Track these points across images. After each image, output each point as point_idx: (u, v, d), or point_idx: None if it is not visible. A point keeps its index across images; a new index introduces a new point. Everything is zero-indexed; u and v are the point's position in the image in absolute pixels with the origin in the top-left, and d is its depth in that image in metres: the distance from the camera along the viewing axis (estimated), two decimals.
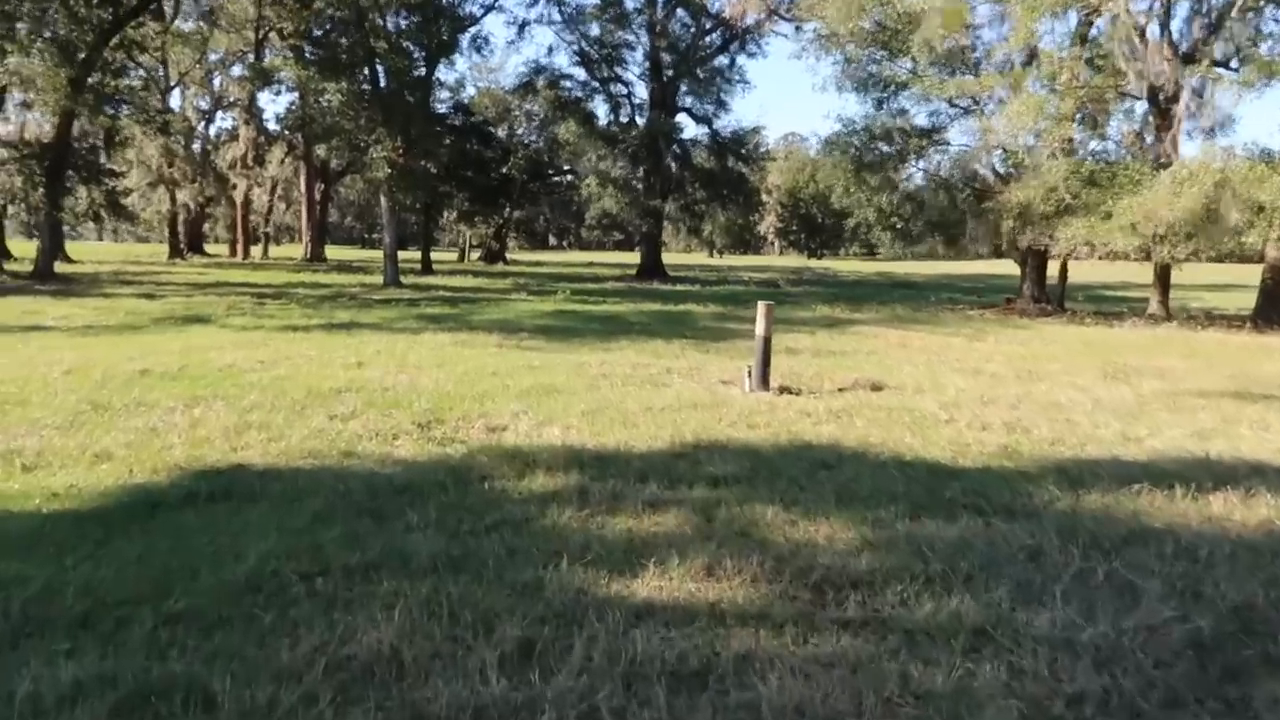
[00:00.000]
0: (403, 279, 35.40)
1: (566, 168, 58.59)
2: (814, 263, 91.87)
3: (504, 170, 54.52)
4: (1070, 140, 24.27)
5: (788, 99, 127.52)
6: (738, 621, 4.27)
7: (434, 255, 70.17)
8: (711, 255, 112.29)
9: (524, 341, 15.43)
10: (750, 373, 10.64)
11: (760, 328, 10.54)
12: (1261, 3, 23.36)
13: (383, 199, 32.36)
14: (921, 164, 27.67)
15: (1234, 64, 24.61)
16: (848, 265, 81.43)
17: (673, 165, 45.61)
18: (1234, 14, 23.47)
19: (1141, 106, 26.71)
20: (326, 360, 12.11)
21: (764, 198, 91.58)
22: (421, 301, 25.19)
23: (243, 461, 6.88)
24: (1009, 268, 66.02)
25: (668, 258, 48.94)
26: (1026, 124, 22.71)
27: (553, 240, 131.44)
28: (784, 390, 10.59)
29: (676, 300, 27.92)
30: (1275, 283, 23.96)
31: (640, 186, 44.75)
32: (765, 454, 7.30)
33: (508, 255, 65.78)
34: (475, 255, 68.89)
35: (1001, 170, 26.61)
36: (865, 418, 8.87)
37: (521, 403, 9.21)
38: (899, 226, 27.83)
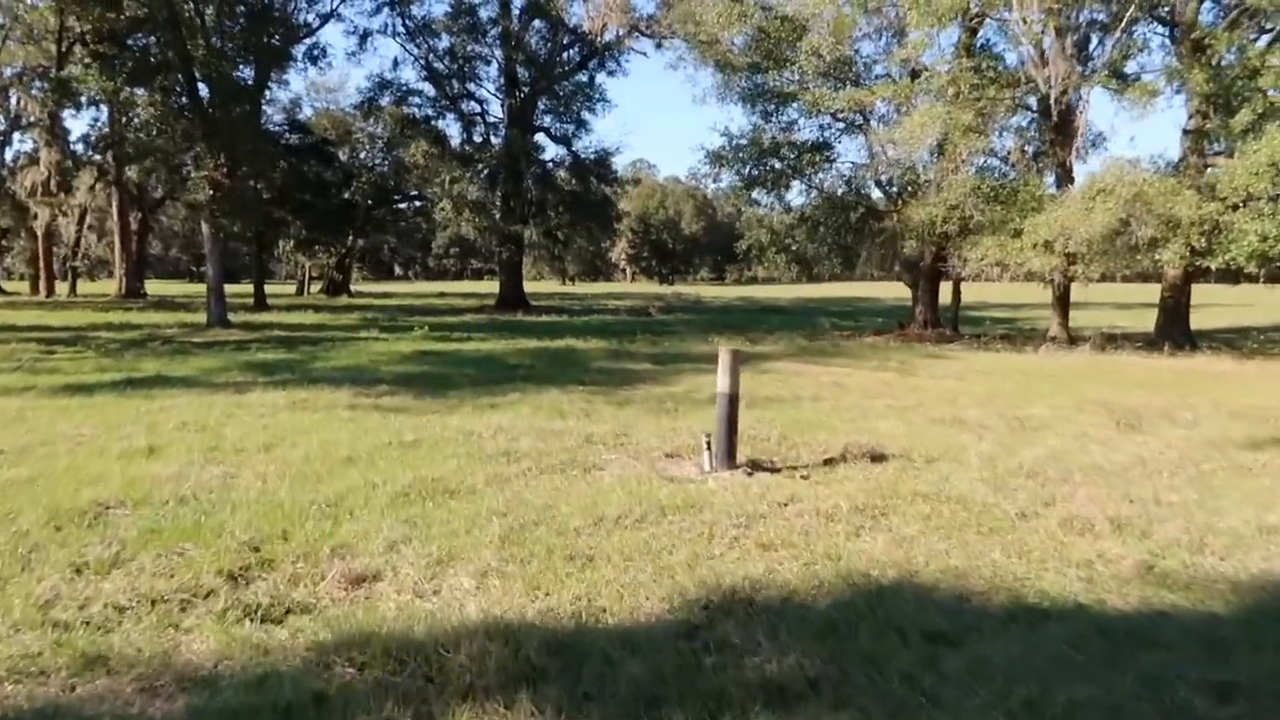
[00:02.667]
0: (232, 317, 30.93)
1: (414, 192, 54.57)
2: (668, 289, 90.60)
3: (346, 195, 50.17)
4: (962, 156, 22.77)
5: (637, 125, 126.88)
6: None
7: (270, 289, 64.61)
8: (564, 283, 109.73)
9: (385, 398, 12.11)
10: (710, 444, 7.81)
11: (723, 383, 7.74)
12: (1128, 21, 22.42)
13: (204, 226, 27.98)
14: (814, 181, 25.72)
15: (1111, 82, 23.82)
16: (703, 290, 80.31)
17: (533, 187, 42.60)
18: (1112, 30, 22.62)
19: (1018, 120, 25.78)
20: (103, 445, 8.49)
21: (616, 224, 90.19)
22: (253, 344, 21.23)
23: None
24: (870, 289, 66.59)
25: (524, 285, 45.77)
26: (931, 135, 21.02)
27: (399, 270, 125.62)
28: (756, 466, 7.82)
29: (551, 334, 24.91)
30: (1176, 301, 23.14)
31: (498, 211, 41.50)
32: (823, 612, 4.45)
33: (352, 287, 61.02)
34: (316, 288, 63.74)
35: (897, 188, 25.00)
36: (909, 517, 6.17)
37: (398, 517, 6.04)
38: (794, 249, 25.80)
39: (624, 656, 3.91)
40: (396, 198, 57.29)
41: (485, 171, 41.92)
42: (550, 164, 44.30)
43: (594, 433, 9.34)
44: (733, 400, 7.75)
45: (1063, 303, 24.20)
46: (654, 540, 5.55)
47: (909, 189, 24.38)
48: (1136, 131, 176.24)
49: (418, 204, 59.03)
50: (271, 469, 7.46)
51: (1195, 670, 3.83)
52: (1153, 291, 49.37)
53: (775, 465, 7.97)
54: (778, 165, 24.95)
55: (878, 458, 8.12)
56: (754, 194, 25.53)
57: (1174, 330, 22.77)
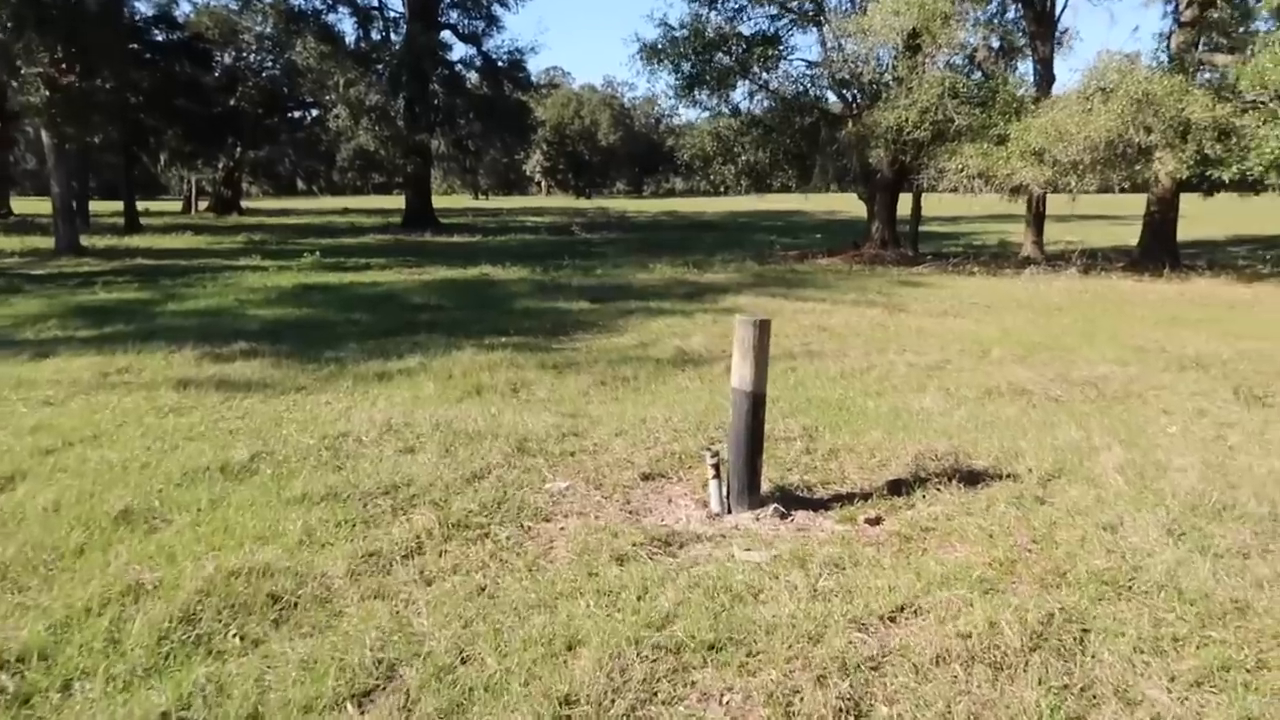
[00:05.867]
0: (94, 241, 26.66)
1: (310, 99, 49.31)
2: (587, 203, 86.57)
3: (231, 102, 44.92)
4: (940, 48, 19.81)
5: (552, 25, 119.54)
6: None
7: (156, 207, 58.88)
8: (477, 197, 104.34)
9: (236, 365, 8.86)
10: (720, 470, 4.92)
11: (743, 375, 4.78)
12: None
13: (44, 133, 23.49)
14: (763, 80, 22.42)
15: None
16: (623, 205, 76.40)
17: (440, 92, 38.28)
18: None
19: (977, 14, 22.86)
20: None
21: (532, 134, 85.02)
22: (101, 278, 17.43)
23: None
24: (798, 203, 63.66)
25: (433, 201, 41.43)
26: (906, 23, 17.97)
27: (301, 185, 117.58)
28: (790, 500, 4.98)
29: (464, 259, 21.52)
30: (1163, 216, 20.90)
31: (401, 118, 37.12)
32: None
33: (244, 204, 55.74)
34: (205, 205, 58.11)
35: (856, 90, 21.96)
36: (1125, 645, 3.34)
37: (147, 714, 3.00)
38: (745, 159, 22.69)
39: None
40: (290, 105, 52.00)
41: (385, 74, 37.37)
42: (458, 65, 39.95)
43: (529, 432, 6.32)
44: (757, 404, 4.81)
45: (1039, 220, 21.75)
46: None
47: (871, 88, 21.39)
48: (1103, 28, 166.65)
49: (315, 112, 53.70)
50: None
51: None
52: (1097, 204, 47.72)
53: (819, 496, 5.12)
54: (725, 61, 21.61)
55: (969, 478, 5.32)
56: (696, 94, 22.15)
57: (1160, 249, 20.59)
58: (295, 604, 3.67)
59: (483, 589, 3.83)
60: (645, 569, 4.02)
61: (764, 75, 22.85)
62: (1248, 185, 18.13)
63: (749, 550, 4.28)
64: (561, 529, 4.61)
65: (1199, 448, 6.09)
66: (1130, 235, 29.03)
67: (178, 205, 66.04)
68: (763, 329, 4.76)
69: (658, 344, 10.21)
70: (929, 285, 16.74)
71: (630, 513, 4.88)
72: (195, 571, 3.87)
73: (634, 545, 4.29)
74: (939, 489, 5.15)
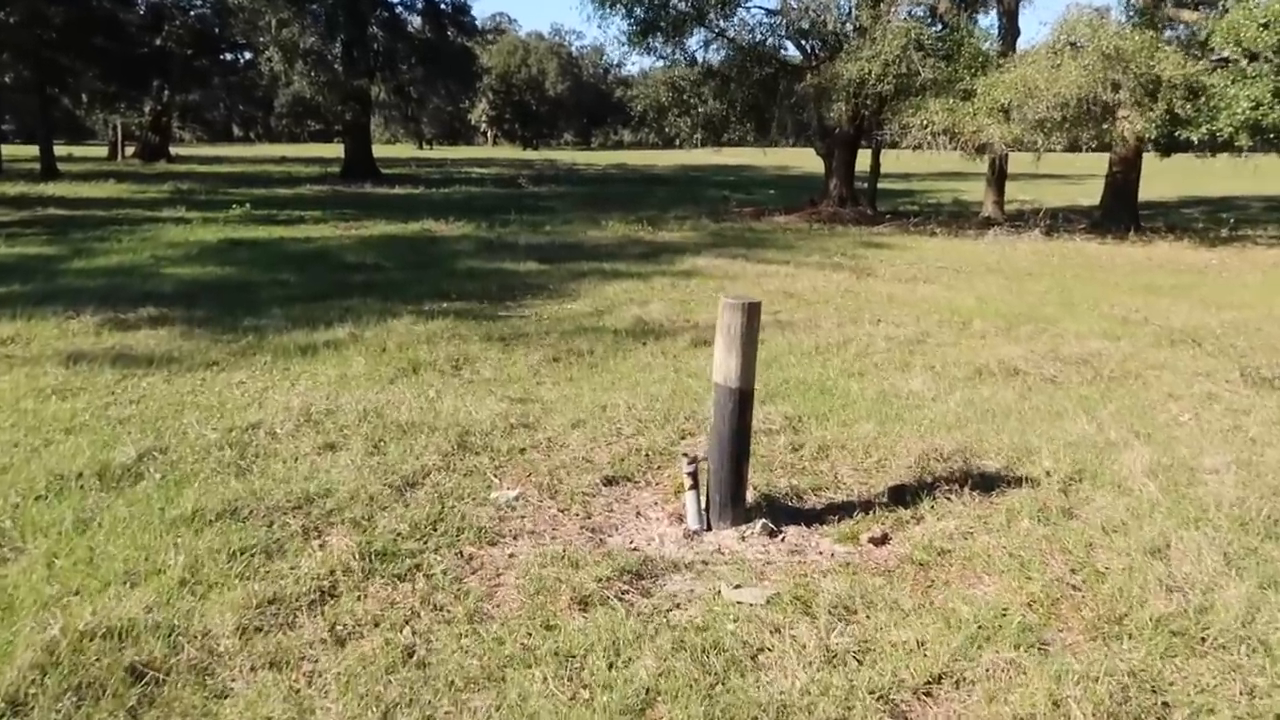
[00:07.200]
0: (2, 189, 24.84)
1: (243, 40, 46.83)
2: (534, 154, 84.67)
3: (157, 41, 42.45)
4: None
5: None
6: None
7: (81, 152, 56.02)
8: (421, 147, 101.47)
9: (140, 334, 7.86)
10: (699, 479, 4.16)
11: (727, 367, 4.00)
12: None
13: None
14: (720, 28, 21.36)
15: None
16: (571, 157, 74.71)
17: (380, 35, 36.50)
18: None
19: None
20: None
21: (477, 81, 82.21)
22: (2, 231, 16.01)
23: None
24: (747, 156, 62.75)
25: (373, 151, 39.59)
26: None
27: (237, 132, 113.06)
28: (778, 510, 4.26)
29: (405, 213, 20.33)
30: (1125, 177, 20.46)
31: (339, 63, 35.28)
32: None
33: (173, 151, 53.17)
34: (132, 151, 55.26)
35: (815, 40, 21.07)
36: None
37: None
38: (700, 111, 21.76)
39: None
40: (223, 46, 49.50)
41: (321, 15, 35.43)
42: (398, 8, 38.08)
43: (473, 423, 5.49)
44: (744, 402, 4.05)
45: (1000, 179, 21.21)
46: None
47: (832, 39, 20.51)
48: None
49: (249, 55, 51.16)
50: None
51: None
52: (1047, 163, 47.62)
53: (812, 506, 4.39)
54: (680, 7, 20.53)
55: (981, 483, 4.62)
56: (650, 42, 21.03)
57: (1122, 210, 20.18)
58: (163, 680, 2.83)
59: (410, 653, 3.01)
60: (615, 619, 3.24)
61: (721, 23, 21.84)
62: (1215, 146, 17.68)
63: (739, 588, 3.53)
64: (510, 556, 3.82)
65: (1220, 441, 5.48)
66: (1082, 195, 28.84)
67: (104, 151, 62.88)
68: (752, 314, 3.97)
69: (614, 312, 9.39)
70: (892, 246, 16.10)
71: (592, 531, 4.11)
72: (35, 634, 3.00)
73: (599, 581, 3.52)
74: (948, 497, 4.45)
